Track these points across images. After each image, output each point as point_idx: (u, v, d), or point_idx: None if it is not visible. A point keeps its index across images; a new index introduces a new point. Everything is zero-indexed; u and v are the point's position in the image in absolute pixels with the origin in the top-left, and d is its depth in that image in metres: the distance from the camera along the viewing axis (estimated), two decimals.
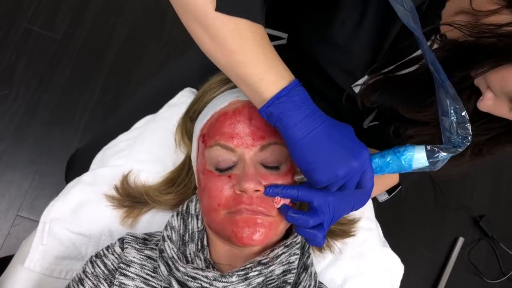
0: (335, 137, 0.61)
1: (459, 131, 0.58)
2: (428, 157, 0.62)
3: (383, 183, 0.90)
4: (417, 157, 0.62)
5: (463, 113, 0.57)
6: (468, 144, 0.58)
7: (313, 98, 0.98)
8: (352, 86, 0.85)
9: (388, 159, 0.65)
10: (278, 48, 0.82)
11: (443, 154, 0.61)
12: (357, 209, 0.70)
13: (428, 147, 0.62)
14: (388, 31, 0.72)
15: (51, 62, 1.77)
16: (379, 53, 0.75)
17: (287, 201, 0.70)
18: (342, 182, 0.62)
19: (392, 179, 0.93)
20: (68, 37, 1.81)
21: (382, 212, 1.04)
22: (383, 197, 0.99)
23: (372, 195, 0.80)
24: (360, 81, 0.82)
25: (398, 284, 0.97)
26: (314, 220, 0.65)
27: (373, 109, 1.05)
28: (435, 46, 0.69)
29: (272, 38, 0.94)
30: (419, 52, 0.72)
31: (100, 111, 1.76)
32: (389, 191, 0.98)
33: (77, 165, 1.10)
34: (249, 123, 0.71)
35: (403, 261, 0.99)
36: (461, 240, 1.90)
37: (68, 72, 1.77)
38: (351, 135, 0.64)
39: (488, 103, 0.59)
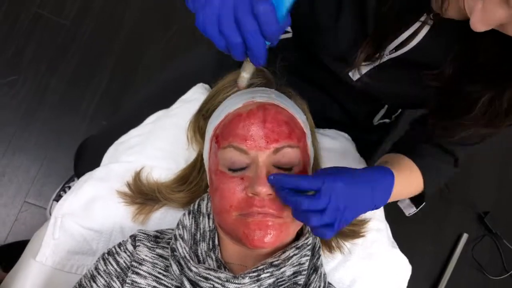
0: None
1: None
2: None
3: (406, 188, 0.87)
4: None
5: None
6: None
7: (323, 98, 0.98)
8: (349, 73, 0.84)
9: None
10: (285, 42, 0.81)
11: None
12: (378, 207, 0.68)
13: None
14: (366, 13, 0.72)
15: (60, 48, 1.77)
16: (365, 34, 0.75)
17: None
18: None
19: (416, 186, 0.89)
20: (78, 23, 1.80)
21: (387, 206, 1.04)
22: (411, 210, 0.96)
23: (395, 198, 0.78)
24: (360, 68, 0.81)
25: (405, 285, 0.97)
26: (311, 203, 0.61)
27: (382, 106, 1.05)
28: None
29: None
30: (412, 28, 0.72)
31: (109, 97, 1.76)
32: (415, 202, 0.95)
33: (86, 155, 1.10)
34: (263, 126, 0.71)
35: (406, 255, 0.99)
36: (465, 236, 1.91)
37: (77, 58, 1.77)
38: None
39: (478, 14, 0.56)
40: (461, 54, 0.72)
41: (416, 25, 0.72)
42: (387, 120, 1.11)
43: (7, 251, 1.42)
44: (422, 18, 0.71)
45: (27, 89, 1.70)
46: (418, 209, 0.95)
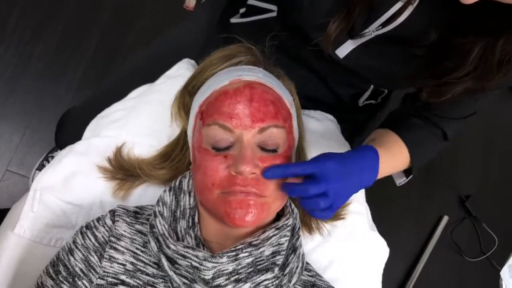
0: None
1: None
2: None
3: (392, 165, 0.90)
4: None
5: None
6: None
7: (309, 76, 0.97)
8: (336, 51, 0.83)
9: None
10: (269, 21, 0.79)
11: None
12: (366, 186, 0.72)
13: None
14: None
15: (45, 15, 1.72)
16: (351, 12, 0.74)
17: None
18: None
19: (402, 161, 0.91)
20: None
21: (368, 188, 1.05)
22: (400, 180, 0.98)
23: (382, 175, 0.80)
24: (345, 45, 0.81)
25: (382, 267, 0.98)
26: (314, 188, 0.65)
27: (368, 86, 1.04)
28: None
29: (262, 11, 0.93)
30: (398, 5, 0.71)
31: (96, 67, 1.73)
32: (406, 172, 0.97)
33: (68, 127, 1.08)
34: (249, 104, 0.70)
35: (386, 236, 1.00)
36: (445, 219, 1.94)
37: (62, 24, 1.73)
38: None
39: None
40: (447, 23, 0.72)
41: (400, 3, 0.71)
42: (373, 101, 1.11)
43: None
44: None
45: (10, 56, 1.66)
46: (408, 179, 0.96)
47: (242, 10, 0.98)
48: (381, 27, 0.75)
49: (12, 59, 1.66)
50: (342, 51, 0.82)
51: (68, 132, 1.02)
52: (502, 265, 1.71)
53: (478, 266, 1.95)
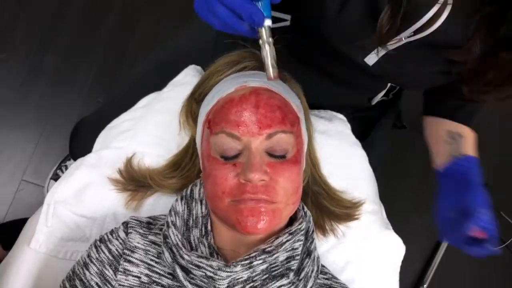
0: None
1: None
2: None
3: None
4: None
5: None
6: None
7: (322, 79, 0.96)
8: (365, 58, 0.81)
9: None
10: (282, 30, 0.78)
11: None
12: None
13: None
14: None
15: (53, 21, 1.73)
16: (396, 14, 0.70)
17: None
18: None
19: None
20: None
21: (380, 185, 1.04)
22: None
23: None
24: (374, 53, 0.79)
25: (399, 264, 0.97)
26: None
27: (385, 87, 1.03)
28: None
29: (275, 20, 0.91)
30: (433, 11, 0.69)
31: (105, 71, 1.74)
32: None
33: (80, 138, 1.09)
34: (255, 111, 0.69)
35: (400, 234, 0.99)
36: None
37: (70, 31, 1.74)
38: None
39: None
40: (483, 24, 0.69)
41: (436, 7, 0.68)
42: (385, 98, 1.09)
43: (6, 230, 1.43)
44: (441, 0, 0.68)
45: (21, 65, 1.68)
46: None
47: None
48: (413, 33, 0.72)
49: (23, 68, 1.68)
50: (371, 59, 0.81)
51: (81, 143, 1.03)
52: None
53: (498, 256, 1.92)
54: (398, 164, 1.86)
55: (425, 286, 1.80)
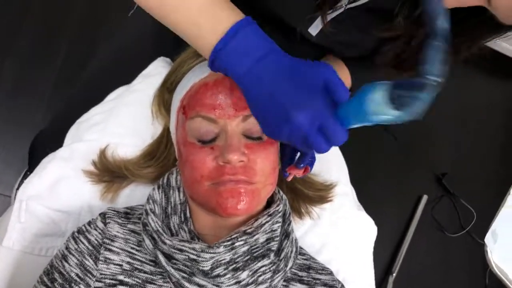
0: (280, 82, 0.55)
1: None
2: (390, 97, 0.47)
3: None
4: (372, 97, 0.48)
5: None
6: (439, 81, 0.46)
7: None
8: (308, 29, 0.81)
9: (352, 103, 0.52)
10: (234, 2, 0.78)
11: (410, 94, 0.45)
12: None
13: (395, 83, 0.47)
14: None
15: (10, 30, 1.68)
16: None
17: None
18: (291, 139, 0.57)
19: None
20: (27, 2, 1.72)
21: (351, 170, 1.07)
22: None
23: None
24: (317, 22, 0.79)
25: (372, 244, 1.01)
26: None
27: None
28: None
29: None
30: None
31: (66, 77, 1.69)
32: None
33: (40, 151, 1.04)
34: (230, 94, 0.70)
35: (371, 215, 1.03)
36: (424, 198, 1.99)
37: (28, 39, 1.69)
38: (311, 75, 0.56)
39: None
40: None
41: None
42: None
43: None
44: None
45: None
46: None
47: None
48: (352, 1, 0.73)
49: None
50: (314, 29, 0.81)
51: (41, 157, 0.98)
52: (482, 238, 1.77)
53: (460, 241, 2.01)
54: (369, 147, 1.90)
55: (394, 274, 1.86)
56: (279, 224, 0.75)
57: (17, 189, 1.46)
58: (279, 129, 0.56)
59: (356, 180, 1.07)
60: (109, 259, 0.70)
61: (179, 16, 0.57)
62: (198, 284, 0.68)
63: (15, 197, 1.48)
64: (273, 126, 0.57)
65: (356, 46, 0.86)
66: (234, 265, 0.70)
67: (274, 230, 0.74)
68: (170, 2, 0.56)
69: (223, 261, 0.69)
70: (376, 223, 1.02)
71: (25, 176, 1.49)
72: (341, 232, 0.95)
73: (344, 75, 0.91)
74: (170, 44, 0.96)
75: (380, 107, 0.48)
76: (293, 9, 0.78)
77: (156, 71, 0.93)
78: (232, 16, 0.57)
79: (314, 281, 0.80)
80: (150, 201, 0.76)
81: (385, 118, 0.49)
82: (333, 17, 0.75)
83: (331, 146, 0.57)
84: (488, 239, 1.10)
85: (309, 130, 0.54)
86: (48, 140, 0.97)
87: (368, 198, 1.12)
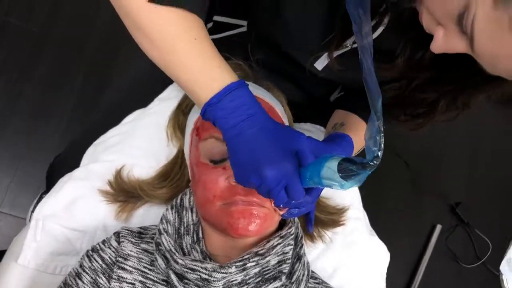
0: (259, 141, 0.60)
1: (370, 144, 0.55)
2: (340, 170, 0.55)
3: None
4: (330, 164, 0.57)
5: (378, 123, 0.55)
6: (377, 163, 0.54)
7: (278, 79, 0.99)
8: (314, 64, 0.83)
9: (311, 167, 0.60)
10: (239, 36, 0.80)
11: (354, 168, 0.54)
12: None
13: (344, 158, 0.56)
14: (337, 2, 0.71)
15: (30, 56, 1.73)
16: (332, 26, 0.74)
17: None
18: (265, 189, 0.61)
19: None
20: (46, 29, 1.77)
21: (363, 196, 1.07)
22: None
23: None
24: (323, 58, 0.81)
25: (385, 271, 1.00)
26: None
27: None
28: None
29: (232, 26, 0.95)
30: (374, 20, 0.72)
31: (83, 103, 1.73)
32: None
33: (59, 172, 1.06)
34: None
35: (384, 240, 1.02)
36: (438, 227, 1.96)
37: (48, 65, 1.74)
38: (286, 140, 0.62)
39: (439, 42, 0.57)
40: (412, 42, 0.73)
41: (374, 21, 0.71)
42: (342, 93, 1.12)
43: None
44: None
45: None
46: None
47: (209, 25, 0.98)
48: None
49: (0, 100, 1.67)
50: (320, 64, 0.83)
51: (59, 179, 0.99)
52: (497, 269, 1.73)
53: (475, 272, 1.97)
54: (380, 174, 1.88)
55: None
56: (291, 247, 0.75)
57: (32, 211, 1.49)
58: (250, 178, 0.60)
59: (368, 206, 1.07)
60: (122, 277, 0.71)
61: (182, 75, 0.62)
62: None
63: (30, 219, 1.51)
64: (245, 175, 0.61)
65: (360, 82, 0.87)
66: (246, 286, 0.70)
67: (286, 253, 0.74)
68: (173, 60, 0.61)
69: (234, 282, 0.69)
70: (390, 252, 1.02)
71: (40, 199, 1.51)
72: (353, 257, 0.95)
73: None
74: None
75: (331, 174, 0.56)
76: (301, 47, 0.81)
77: (172, 94, 0.96)
78: (227, 78, 0.61)
79: None
80: (164, 221, 0.76)
81: (332, 183, 0.57)
82: (339, 54, 0.77)
83: (291, 201, 0.63)
84: (503, 267, 1.08)
85: (274, 185, 0.59)
86: (65, 163, 0.99)
87: (380, 225, 1.11)
